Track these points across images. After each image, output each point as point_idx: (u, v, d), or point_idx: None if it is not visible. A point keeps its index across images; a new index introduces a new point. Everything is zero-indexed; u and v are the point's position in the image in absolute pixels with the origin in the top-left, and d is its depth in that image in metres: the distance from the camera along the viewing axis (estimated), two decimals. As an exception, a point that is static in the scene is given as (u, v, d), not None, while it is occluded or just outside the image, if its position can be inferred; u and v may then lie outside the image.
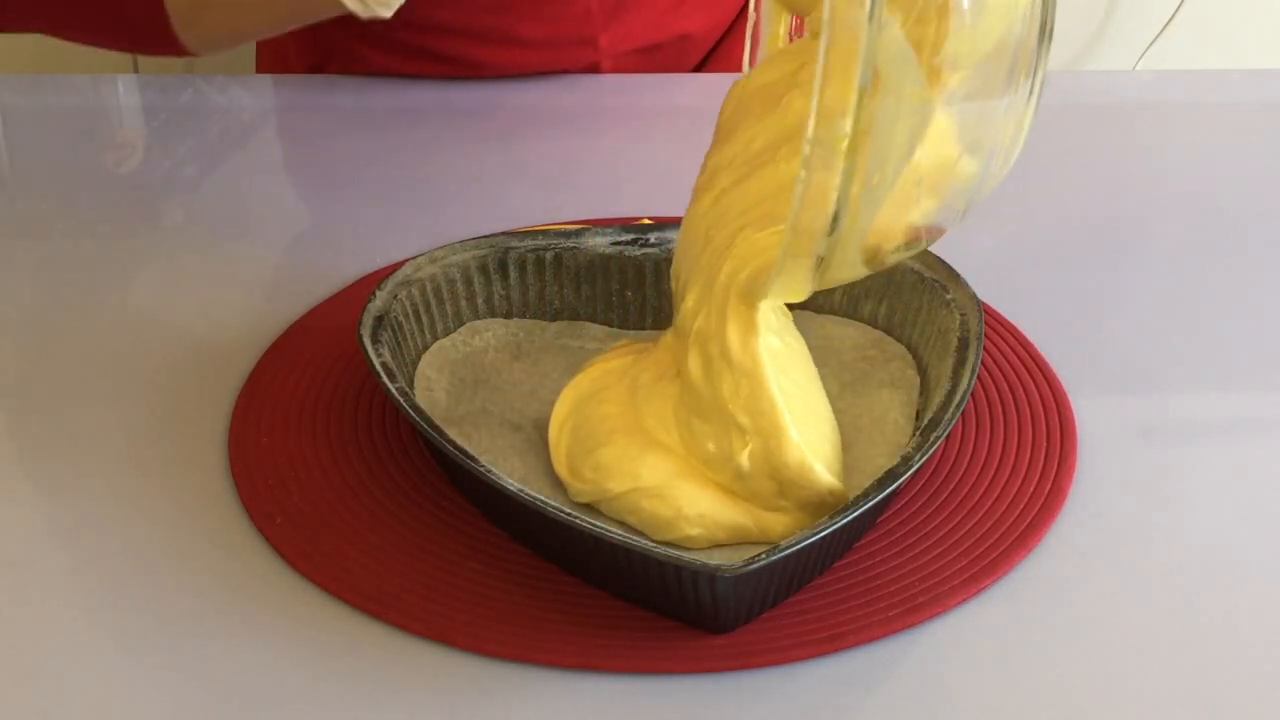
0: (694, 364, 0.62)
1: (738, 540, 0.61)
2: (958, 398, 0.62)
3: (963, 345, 0.65)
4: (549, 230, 0.75)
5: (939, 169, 0.54)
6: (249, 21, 0.74)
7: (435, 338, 0.72)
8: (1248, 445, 0.70)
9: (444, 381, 0.70)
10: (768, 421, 0.60)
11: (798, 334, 0.69)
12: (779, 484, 0.60)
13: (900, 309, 0.72)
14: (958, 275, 0.69)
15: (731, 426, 0.60)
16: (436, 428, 0.60)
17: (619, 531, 0.56)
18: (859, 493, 0.58)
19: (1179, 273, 0.84)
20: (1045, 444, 0.68)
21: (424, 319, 0.71)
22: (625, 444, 0.62)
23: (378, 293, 0.69)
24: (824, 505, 0.61)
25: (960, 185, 0.55)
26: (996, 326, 0.76)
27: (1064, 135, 1.02)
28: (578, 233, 0.75)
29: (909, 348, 0.71)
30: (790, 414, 0.60)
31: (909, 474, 0.58)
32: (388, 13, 0.67)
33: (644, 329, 0.75)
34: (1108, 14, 1.76)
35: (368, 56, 1.06)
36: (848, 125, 0.47)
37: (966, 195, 0.56)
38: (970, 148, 0.54)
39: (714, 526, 0.60)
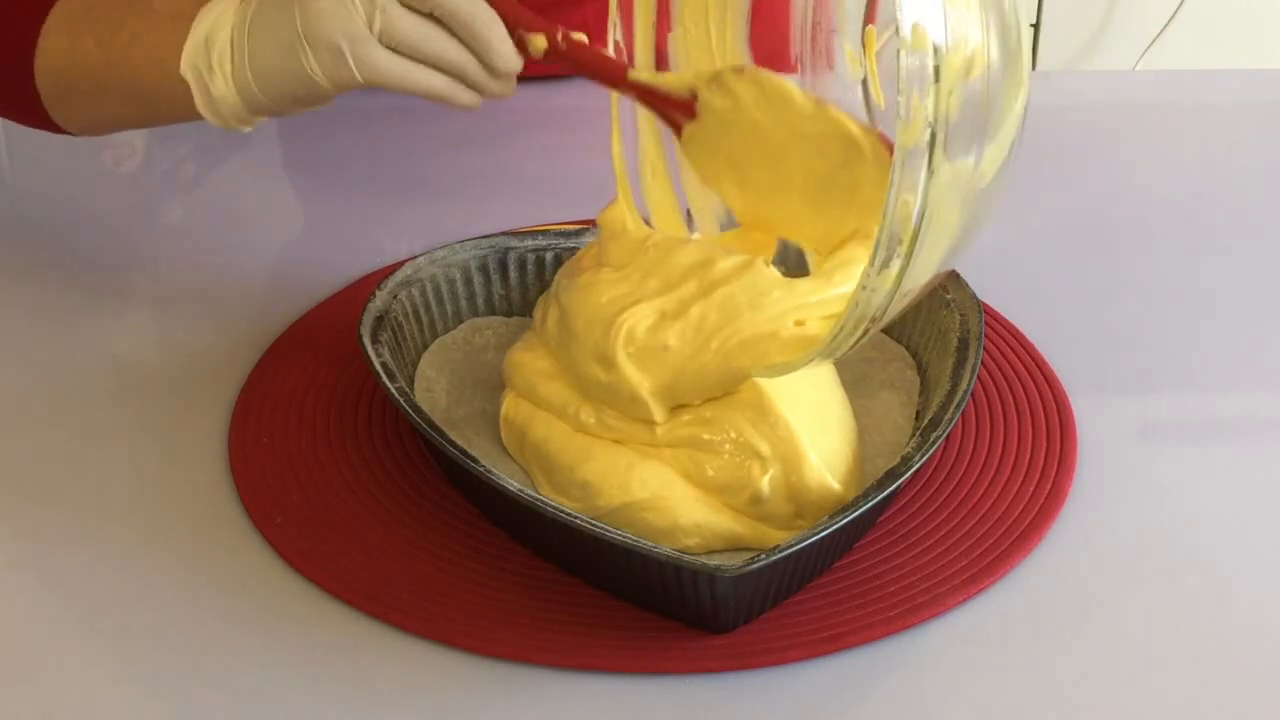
0: (693, 430, 0.61)
1: (734, 547, 0.61)
2: (958, 398, 0.62)
3: (963, 345, 0.65)
4: (549, 230, 0.75)
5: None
6: (111, 116, 0.76)
7: (435, 338, 0.72)
8: (1248, 445, 0.70)
9: (444, 382, 0.70)
10: (787, 447, 0.60)
11: None
12: (798, 506, 0.60)
13: (900, 309, 0.72)
14: (958, 275, 0.69)
15: (749, 455, 0.60)
16: (436, 428, 0.60)
17: (619, 531, 0.56)
18: (859, 493, 0.58)
19: (1179, 273, 0.84)
20: (1045, 444, 0.68)
21: (424, 319, 0.71)
22: (610, 457, 0.61)
23: (378, 293, 0.69)
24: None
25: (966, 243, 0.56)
26: (996, 326, 0.76)
27: (1064, 135, 1.02)
28: (578, 233, 0.75)
29: (909, 348, 0.71)
30: (807, 434, 0.60)
31: (909, 474, 0.58)
32: (247, 128, 0.70)
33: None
34: (1108, 14, 1.76)
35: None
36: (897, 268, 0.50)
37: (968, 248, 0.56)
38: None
39: (711, 536, 0.60)
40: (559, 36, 0.62)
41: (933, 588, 0.60)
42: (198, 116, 0.69)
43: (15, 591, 0.61)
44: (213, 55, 0.66)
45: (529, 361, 0.66)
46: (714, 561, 0.54)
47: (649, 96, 0.63)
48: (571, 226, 0.75)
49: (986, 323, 0.72)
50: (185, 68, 0.67)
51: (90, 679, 0.57)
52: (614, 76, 0.63)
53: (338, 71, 0.63)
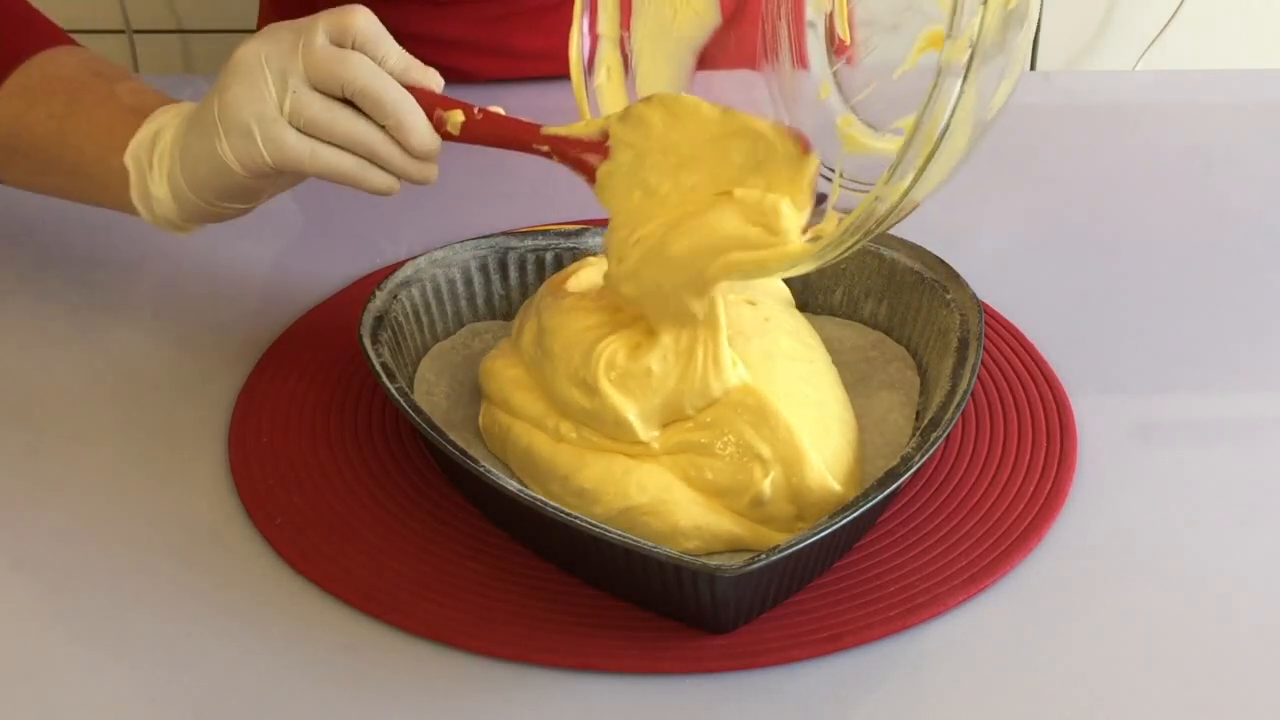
0: (692, 436, 0.61)
1: (734, 549, 0.61)
2: (958, 398, 0.62)
3: (963, 345, 0.65)
4: (549, 230, 0.75)
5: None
6: (53, 189, 0.77)
7: (435, 338, 0.72)
8: (1248, 445, 0.70)
9: (443, 386, 0.70)
10: (788, 449, 0.60)
11: (809, 326, 0.69)
12: (799, 507, 0.60)
13: (900, 309, 0.72)
14: (958, 275, 0.69)
15: (750, 458, 0.60)
16: (437, 428, 0.60)
17: (619, 532, 0.56)
18: (859, 493, 0.58)
19: (1179, 272, 0.84)
20: (1045, 444, 0.68)
21: (424, 319, 0.71)
22: (605, 463, 0.61)
23: (378, 293, 0.69)
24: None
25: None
26: (996, 326, 0.76)
27: (1064, 135, 1.02)
28: (578, 233, 0.75)
29: (909, 348, 0.71)
30: (808, 435, 0.60)
31: (909, 474, 0.58)
32: (181, 233, 0.72)
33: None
34: (1108, 14, 1.76)
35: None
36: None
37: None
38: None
39: (711, 538, 0.60)
40: (475, 111, 0.64)
41: (933, 588, 0.60)
42: (136, 211, 0.70)
43: (15, 591, 0.61)
44: (156, 151, 0.68)
45: (501, 369, 0.66)
46: (714, 562, 0.54)
47: (563, 146, 0.64)
48: (571, 226, 0.75)
49: (986, 323, 0.72)
50: (128, 158, 0.69)
51: (90, 679, 0.57)
52: (528, 138, 0.64)
53: (247, 153, 0.64)
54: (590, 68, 0.67)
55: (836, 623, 0.58)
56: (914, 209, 0.55)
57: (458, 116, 0.64)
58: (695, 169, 0.60)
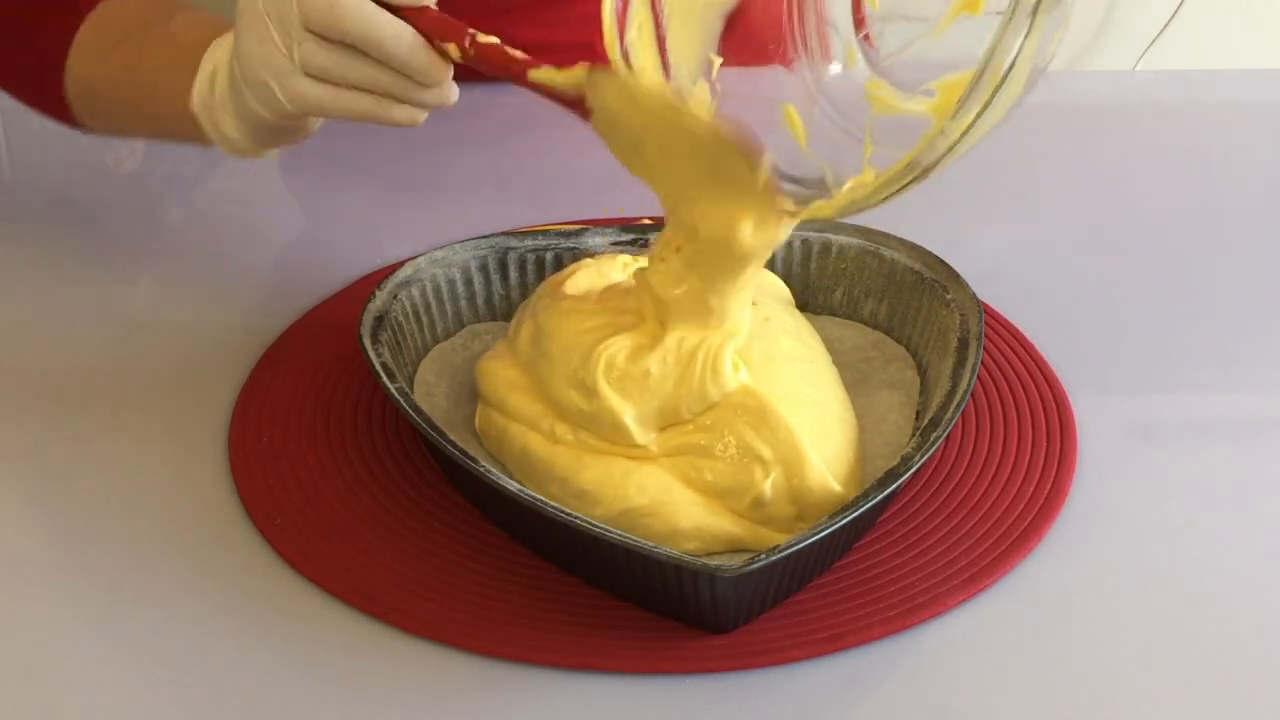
0: (692, 439, 0.61)
1: (734, 549, 0.61)
2: (958, 398, 0.62)
3: (963, 345, 0.65)
4: (549, 230, 0.75)
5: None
6: (143, 134, 0.82)
7: (435, 338, 0.72)
8: (1248, 445, 0.70)
9: (443, 387, 0.70)
10: (789, 450, 0.60)
11: (809, 326, 0.69)
12: (799, 508, 0.60)
13: (900, 309, 0.72)
14: (958, 275, 0.69)
15: (751, 459, 0.60)
16: (436, 428, 0.60)
17: (619, 532, 0.55)
18: (859, 493, 0.58)
19: (1179, 273, 0.84)
20: (1045, 444, 0.68)
21: (424, 319, 0.71)
22: (604, 465, 0.61)
23: (378, 293, 0.69)
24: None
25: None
26: (996, 326, 0.76)
27: (1064, 135, 1.02)
28: (578, 233, 0.75)
29: (909, 347, 0.71)
30: (809, 435, 0.60)
31: (909, 474, 0.58)
32: (261, 158, 0.74)
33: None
34: (1107, 14, 1.76)
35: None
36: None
37: None
38: None
39: (710, 539, 0.60)
40: (466, 42, 0.63)
41: (933, 588, 0.59)
42: (210, 144, 0.73)
43: (16, 591, 0.61)
44: (216, 94, 0.70)
45: (497, 370, 0.66)
46: (714, 562, 0.54)
47: (548, 96, 0.62)
48: (571, 226, 0.75)
49: (986, 323, 0.72)
50: (195, 104, 0.71)
51: (89, 678, 0.57)
52: (517, 77, 0.63)
53: (271, 105, 0.66)
54: (623, 23, 0.66)
55: (836, 623, 0.58)
56: (965, 151, 0.55)
57: (454, 51, 0.63)
58: (665, 155, 0.59)
